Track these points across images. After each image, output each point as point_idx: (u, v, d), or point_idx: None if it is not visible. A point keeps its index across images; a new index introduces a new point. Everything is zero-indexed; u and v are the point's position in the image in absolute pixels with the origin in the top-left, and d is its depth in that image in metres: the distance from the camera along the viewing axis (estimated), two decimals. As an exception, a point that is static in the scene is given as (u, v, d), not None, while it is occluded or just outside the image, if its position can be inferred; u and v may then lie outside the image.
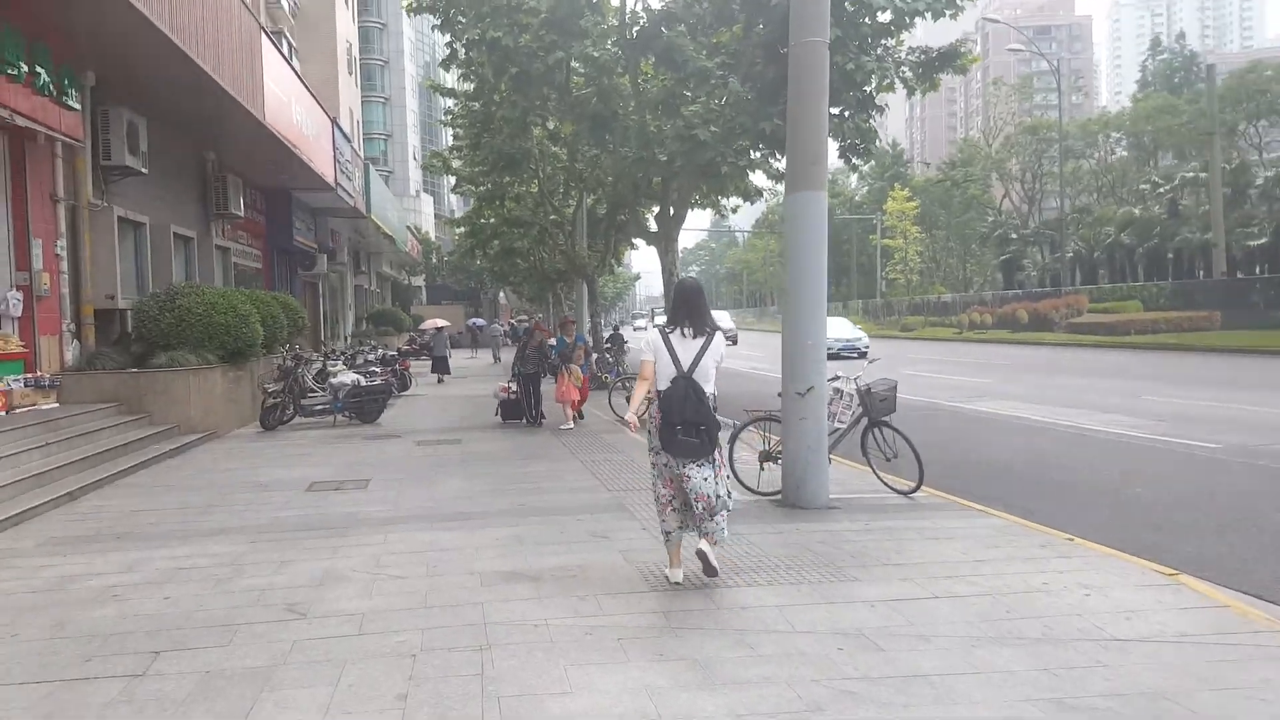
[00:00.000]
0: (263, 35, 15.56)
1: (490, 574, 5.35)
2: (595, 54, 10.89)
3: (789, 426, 7.09)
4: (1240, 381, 17.91)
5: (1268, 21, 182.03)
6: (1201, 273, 33.47)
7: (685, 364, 4.98)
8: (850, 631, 4.43)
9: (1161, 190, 40.20)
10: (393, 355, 18.81)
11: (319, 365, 16.01)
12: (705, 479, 5.01)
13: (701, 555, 5.02)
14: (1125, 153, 51.75)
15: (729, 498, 5.16)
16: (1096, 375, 20.02)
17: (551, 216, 23.31)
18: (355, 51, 42.03)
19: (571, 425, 12.07)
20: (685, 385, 4.93)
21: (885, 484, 7.69)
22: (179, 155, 15.81)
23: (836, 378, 7.62)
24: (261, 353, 14.21)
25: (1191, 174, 37.97)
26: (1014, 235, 48.58)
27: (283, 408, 13.17)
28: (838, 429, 7.56)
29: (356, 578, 5.32)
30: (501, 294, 62.09)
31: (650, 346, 5.15)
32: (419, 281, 56.63)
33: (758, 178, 13.89)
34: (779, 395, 7.69)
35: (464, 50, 12.43)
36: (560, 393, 12.46)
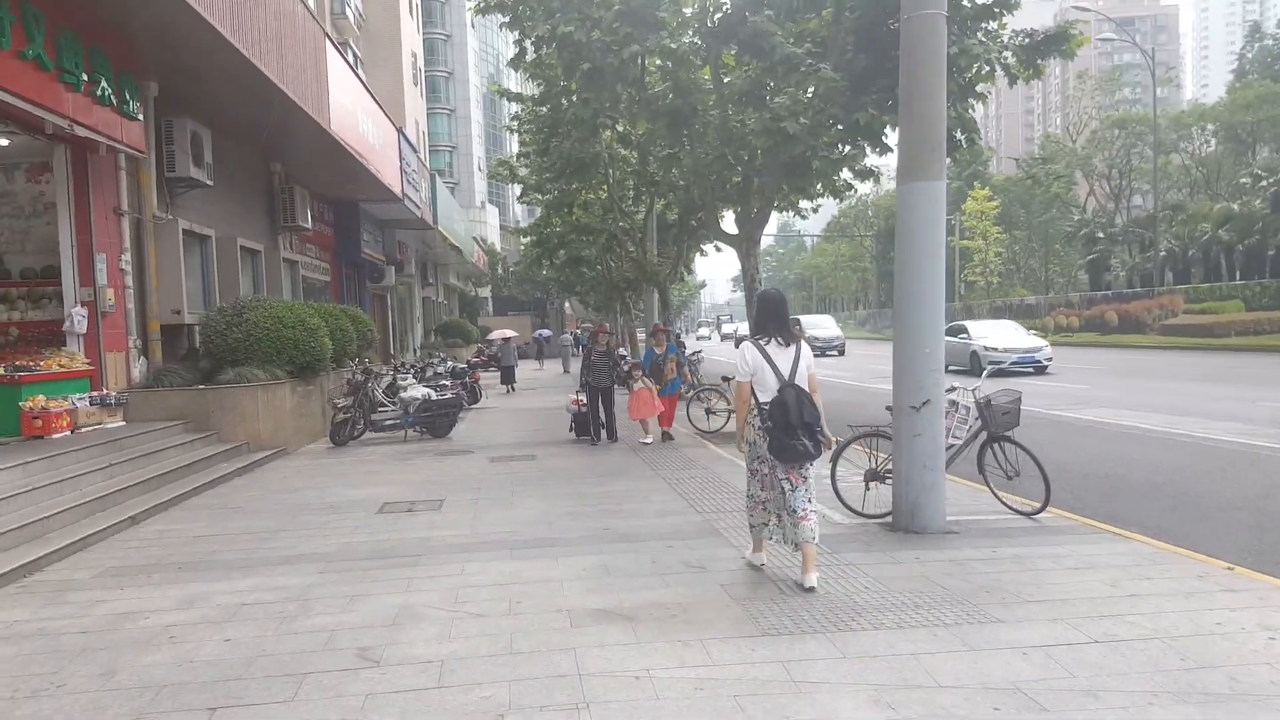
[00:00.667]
0: (328, 43, 15.45)
1: (580, 612, 4.78)
2: (673, 46, 10.29)
3: (902, 443, 6.36)
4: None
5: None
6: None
7: (786, 372, 5.13)
8: (1004, 686, 3.74)
9: (1264, 183, 37.65)
10: (462, 368, 18.52)
11: (389, 379, 15.78)
12: (805, 478, 5.29)
13: (800, 585, 5.15)
14: (1218, 146, 48.90)
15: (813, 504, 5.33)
16: (1201, 380, 18.58)
17: (620, 223, 22.80)
18: (420, 63, 42.45)
19: (649, 439, 11.38)
20: (796, 392, 5.07)
21: (1006, 504, 6.90)
22: (244, 167, 15.78)
23: (953, 389, 6.86)
24: (330, 367, 14.00)
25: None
26: (1100, 234, 46.21)
27: (353, 423, 12.91)
28: (953, 444, 6.79)
29: (433, 615, 4.80)
30: (567, 304, 62.04)
31: (749, 364, 5.22)
32: (485, 293, 56.96)
33: (846, 173, 13.04)
34: (888, 409, 6.96)
35: (533, 49, 11.98)
36: (634, 409, 11.48)
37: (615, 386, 12.02)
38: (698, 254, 27.53)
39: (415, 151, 25.35)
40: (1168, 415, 12.80)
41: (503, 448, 11.93)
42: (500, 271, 57.56)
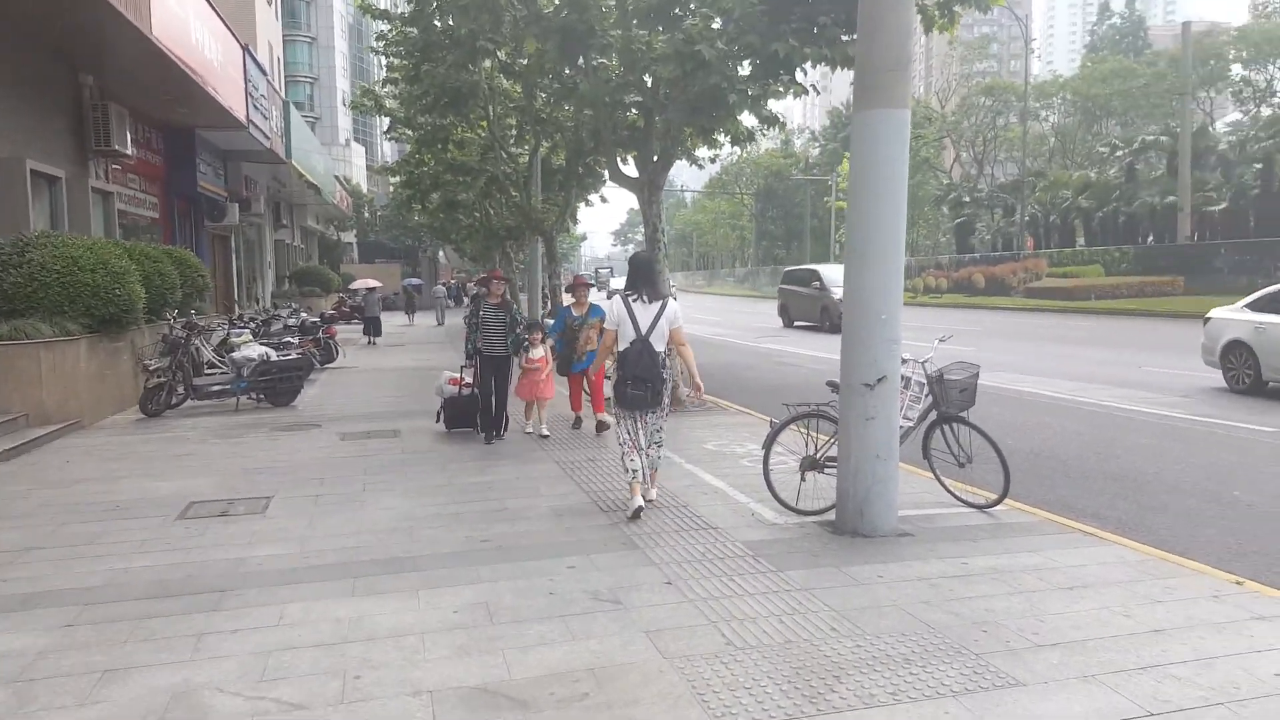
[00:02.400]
0: (148, -70, 12.74)
1: (448, 694, 3.32)
2: (567, -53, 8.63)
3: (850, 429, 5.18)
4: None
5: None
6: (1167, 239, 32.76)
7: (644, 328, 5.67)
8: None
9: (1120, 154, 39.37)
10: (314, 321, 16.32)
11: (223, 334, 13.53)
12: (656, 427, 5.94)
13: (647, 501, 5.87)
14: (1071, 117, 51.04)
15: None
16: (1077, 343, 18.73)
17: (502, 167, 20.80)
18: (273, -19, 38.13)
19: (538, 429, 8.67)
20: (641, 347, 5.64)
21: (955, 495, 5.91)
22: (40, 76, 12.95)
23: (903, 361, 5.74)
24: (145, 320, 11.69)
25: (1153, 137, 37.14)
26: (966, 199, 47.45)
27: (170, 389, 10.75)
28: (903, 427, 5.68)
29: (222, 711, 3.23)
30: (441, 253, 58.92)
31: (615, 315, 5.79)
32: (350, 238, 53.10)
33: (747, 117, 11.74)
34: (829, 385, 5.78)
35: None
36: (526, 385, 8.64)
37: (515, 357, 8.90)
38: (583, 203, 25.88)
39: (265, 75, 22.33)
40: (1066, 381, 12.43)
41: (359, 419, 10.15)
42: (367, 215, 53.74)
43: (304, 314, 18.19)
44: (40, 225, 12.55)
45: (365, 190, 55.81)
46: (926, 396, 5.78)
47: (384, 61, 20.13)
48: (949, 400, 5.68)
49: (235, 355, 11.30)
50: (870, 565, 4.67)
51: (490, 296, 8.56)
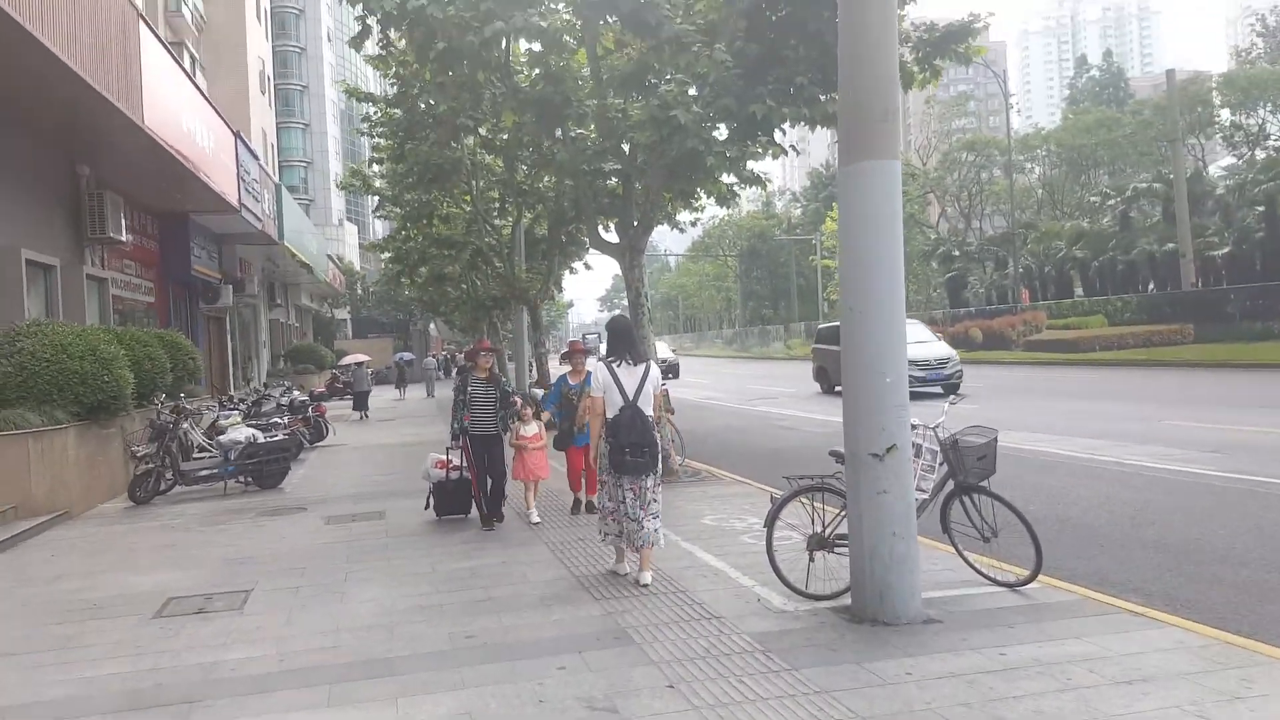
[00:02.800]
0: (141, 24, 12.93)
1: (426, 824, 2.97)
2: (543, 24, 8.66)
3: (861, 505, 4.89)
4: (1246, 399, 16.56)
5: (1165, 47, 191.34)
6: (1169, 286, 32.76)
7: (630, 393, 5.71)
8: None
9: (1112, 202, 39.74)
10: (303, 400, 16.06)
11: (212, 417, 13.27)
12: (646, 488, 5.76)
13: (641, 585, 5.74)
14: (1056, 168, 51.83)
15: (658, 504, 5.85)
16: (1087, 397, 18.47)
17: (486, 239, 20.88)
18: (269, 70, 39.03)
19: (536, 517, 7.91)
20: (632, 413, 5.66)
21: (982, 573, 5.55)
22: (36, 166, 12.99)
23: (913, 427, 5.48)
24: (135, 405, 11.45)
25: (1145, 184, 37.54)
26: (956, 253, 47.83)
27: (159, 475, 10.45)
28: (917, 499, 5.39)
29: None
30: (432, 325, 59.03)
31: (600, 383, 5.82)
32: (343, 314, 53.24)
33: (731, 178, 11.74)
34: (833, 456, 5.51)
35: (379, 28, 10.06)
36: (522, 465, 8.03)
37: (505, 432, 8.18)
38: (567, 271, 25.95)
39: (256, 159, 22.55)
40: (1084, 439, 12.07)
41: (345, 500, 9.82)
42: (360, 291, 54.00)
43: (295, 392, 17.93)
44: (35, 313, 12.41)
45: (358, 267, 56.23)
46: (941, 466, 5.49)
47: (371, 142, 20.40)
48: (966, 469, 5.40)
49: (222, 439, 11.03)
50: (896, 660, 4.31)
51: (477, 370, 7.84)
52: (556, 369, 27.02)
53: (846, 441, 5.00)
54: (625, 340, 5.90)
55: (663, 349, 43.00)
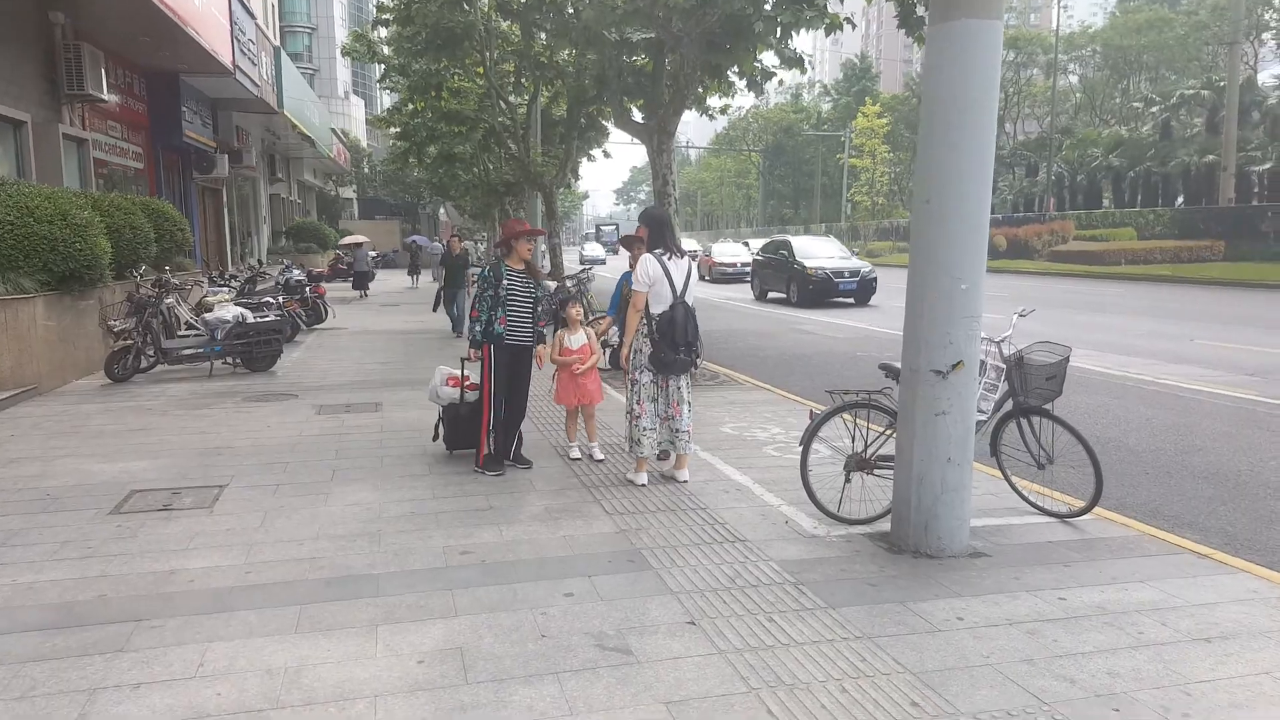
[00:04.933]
0: None
1: (397, 799, 2.43)
2: None
3: (915, 425, 4.24)
4: (1271, 320, 15.82)
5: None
6: (1203, 201, 31.27)
7: (679, 287, 5.29)
8: None
9: (1155, 109, 37.57)
10: (299, 280, 15.32)
11: (203, 294, 12.61)
12: (679, 388, 5.44)
13: (671, 475, 5.60)
14: (1098, 71, 49.01)
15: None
16: (1114, 312, 17.65)
17: (500, 118, 19.63)
18: (267, -77, 36.42)
19: (600, 453, 6.23)
20: (684, 309, 5.28)
21: (1031, 502, 4.97)
22: (2, 10, 11.88)
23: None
24: (118, 277, 10.76)
25: (1192, 90, 35.38)
26: (986, 156, 45.66)
27: (138, 351, 9.83)
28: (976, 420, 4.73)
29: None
30: (442, 210, 57.67)
31: (650, 276, 5.27)
32: (349, 193, 51.85)
33: (768, 56, 10.60)
34: (884, 370, 4.84)
35: None
36: (566, 387, 6.16)
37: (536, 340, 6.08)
38: (585, 158, 24.72)
39: (253, 18, 21.06)
40: (1112, 354, 11.43)
41: (340, 389, 9.24)
42: (367, 170, 52.41)
43: (295, 271, 17.18)
44: (2, 173, 11.57)
45: (365, 145, 54.40)
46: (1002, 384, 4.81)
47: (376, 1, 18.91)
48: (1030, 389, 4.72)
49: (208, 316, 10.36)
50: (945, 601, 3.75)
51: (513, 257, 5.85)
52: (570, 263, 25.95)
53: (905, 355, 4.30)
54: (668, 230, 5.54)
55: (689, 244, 42.54)
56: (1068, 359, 4.73)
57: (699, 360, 5.50)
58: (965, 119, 4.02)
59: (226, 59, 17.46)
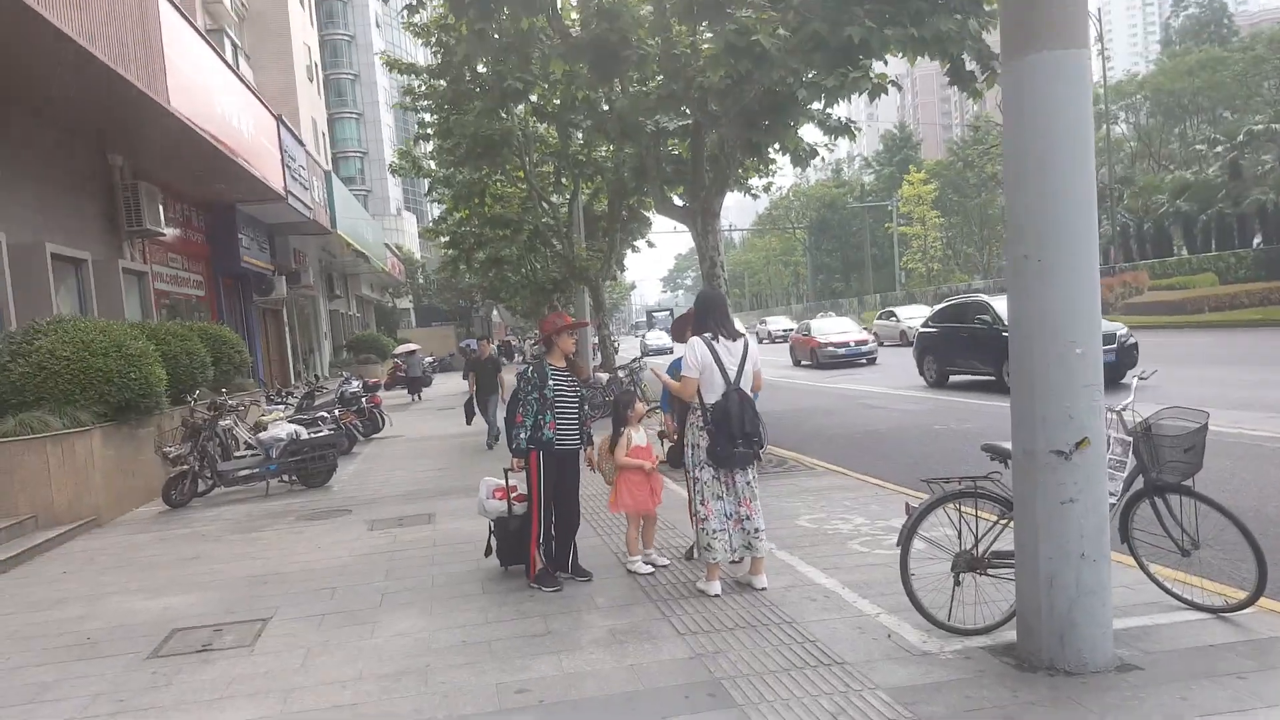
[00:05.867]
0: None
1: None
2: (593, -51, 7.48)
3: (1037, 517, 3.63)
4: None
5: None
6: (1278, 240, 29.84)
7: (733, 374, 4.89)
8: None
9: (1220, 149, 36.39)
10: (354, 392, 15.28)
11: (263, 414, 12.57)
12: (748, 483, 4.96)
13: (748, 582, 5.01)
14: (1150, 117, 47.98)
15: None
16: (1210, 363, 16.50)
17: (543, 219, 19.81)
18: (316, 57, 38.65)
19: (645, 566, 5.52)
20: (739, 398, 4.84)
21: (1174, 594, 4.25)
22: (65, 156, 12.40)
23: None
24: (169, 404, 10.74)
25: (1261, 125, 34.16)
26: (1041, 213, 44.61)
27: (194, 476, 9.69)
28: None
29: None
30: (495, 311, 58.67)
31: (699, 360, 4.91)
32: (405, 304, 53.19)
33: (810, 130, 10.34)
34: (988, 452, 4.26)
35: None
36: (628, 493, 5.45)
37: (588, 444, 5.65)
38: (629, 249, 24.79)
39: (302, 145, 21.95)
40: (1222, 410, 10.36)
41: (393, 501, 8.89)
42: (421, 280, 53.81)
43: (354, 383, 17.22)
44: (66, 310, 11.84)
45: (418, 256, 56.04)
46: (1130, 459, 4.18)
47: (417, 118, 19.50)
48: (1164, 463, 4.08)
49: (262, 436, 10.23)
50: (1094, 728, 3.08)
51: (553, 355, 5.42)
52: (623, 354, 25.76)
53: (1016, 433, 3.73)
54: (718, 313, 5.07)
55: (780, 323, 43.27)
56: (1206, 425, 4.08)
57: (762, 450, 4.99)
58: (1059, 162, 3.56)
59: (278, 185, 18.05)
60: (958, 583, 4.16)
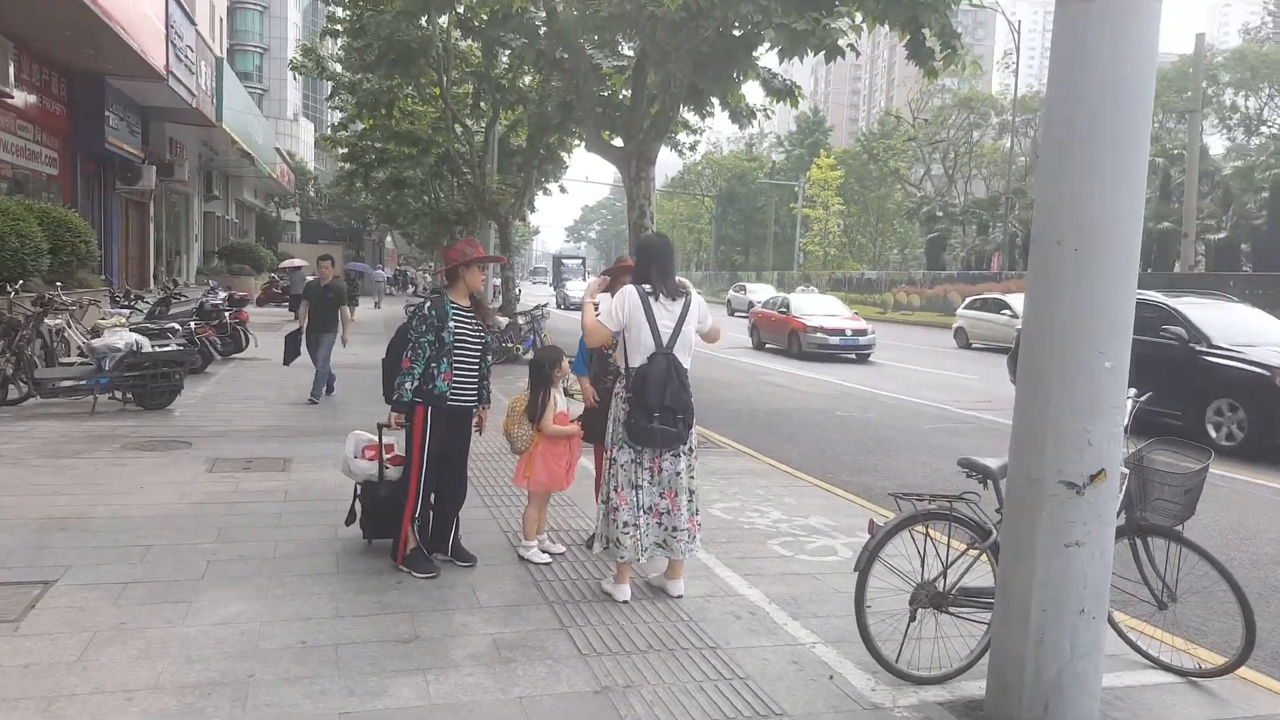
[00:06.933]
0: None
1: None
2: None
3: (1034, 561, 2.98)
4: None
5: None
6: (1159, 268, 31.45)
7: (665, 335, 4.08)
8: None
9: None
10: (216, 304, 13.64)
11: (102, 316, 10.94)
12: (678, 472, 4.14)
13: (661, 586, 4.28)
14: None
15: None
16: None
17: (458, 146, 18.33)
18: (220, -68, 34.94)
19: (542, 555, 4.66)
20: (666, 363, 4.03)
21: (1141, 650, 3.76)
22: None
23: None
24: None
25: (1151, 157, 35.79)
26: (940, 214, 46.00)
27: (5, 380, 8.18)
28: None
29: None
30: (389, 238, 55.87)
31: (625, 313, 4.08)
32: (292, 216, 49.78)
33: (754, 91, 9.59)
34: (963, 467, 3.62)
35: None
36: (544, 465, 4.60)
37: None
38: (541, 191, 23.55)
39: (193, 24, 19.57)
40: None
41: (243, 437, 7.70)
42: (312, 193, 50.44)
43: (221, 294, 15.49)
44: None
45: (311, 167, 52.51)
46: (1120, 495, 3.62)
47: (328, 10, 17.62)
48: (1151, 501, 3.54)
49: (95, 343, 8.76)
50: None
51: (455, 289, 4.46)
52: (523, 301, 24.52)
53: (1018, 454, 3.06)
54: (661, 264, 4.19)
55: (763, 291, 40.67)
56: (1207, 467, 3.55)
57: (689, 431, 4.12)
58: (1115, 131, 2.87)
59: (158, 62, 15.96)
60: (913, 619, 3.52)
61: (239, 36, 59.84)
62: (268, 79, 62.21)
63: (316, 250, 42.80)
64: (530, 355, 14.51)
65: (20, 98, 13.96)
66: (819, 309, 19.34)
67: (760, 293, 33.69)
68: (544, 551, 4.70)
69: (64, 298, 9.83)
